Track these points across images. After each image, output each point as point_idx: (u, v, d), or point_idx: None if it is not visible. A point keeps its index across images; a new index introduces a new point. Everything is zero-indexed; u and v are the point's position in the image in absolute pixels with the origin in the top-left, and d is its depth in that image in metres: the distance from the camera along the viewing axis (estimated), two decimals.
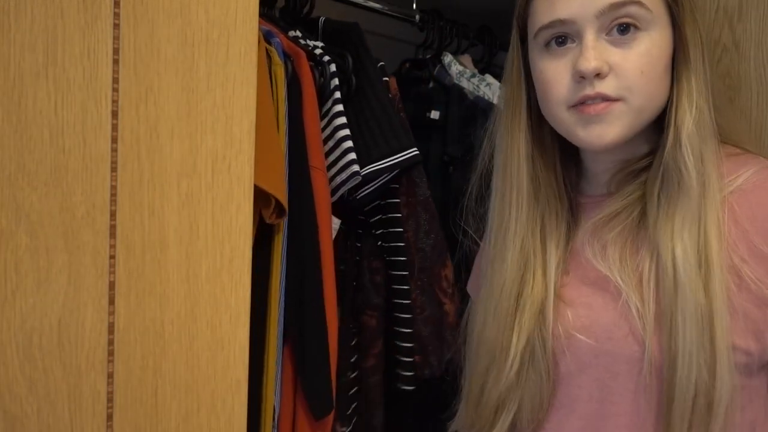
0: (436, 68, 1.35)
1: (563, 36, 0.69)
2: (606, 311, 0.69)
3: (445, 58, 1.35)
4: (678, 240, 0.66)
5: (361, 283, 1.11)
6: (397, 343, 1.10)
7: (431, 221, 1.11)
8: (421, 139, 1.22)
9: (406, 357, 1.09)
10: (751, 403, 0.67)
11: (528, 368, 0.72)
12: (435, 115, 1.30)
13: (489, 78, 1.34)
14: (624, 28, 0.67)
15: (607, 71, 0.67)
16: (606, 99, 0.67)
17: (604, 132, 0.68)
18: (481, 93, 1.31)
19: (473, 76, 1.33)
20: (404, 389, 1.09)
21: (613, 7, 0.66)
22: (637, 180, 0.72)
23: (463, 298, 1.10)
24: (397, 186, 1.09)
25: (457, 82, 1.32)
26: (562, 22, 0.68)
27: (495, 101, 1.29)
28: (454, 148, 1.28)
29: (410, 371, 1.09)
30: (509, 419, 0.75)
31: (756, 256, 0.64)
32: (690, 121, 0.67)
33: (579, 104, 0.68)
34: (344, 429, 1.07)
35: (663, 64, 0.68)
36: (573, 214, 0.78)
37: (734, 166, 0.68)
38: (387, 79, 1.12)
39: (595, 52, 0.66)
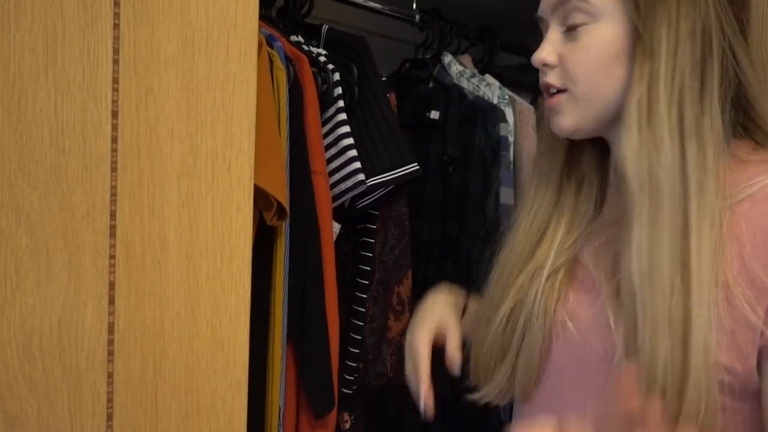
0: (436, 68, 1.35)
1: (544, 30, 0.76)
2: (588, 310, 0.71)
3: (445, 58, 1.35)
4: (642, 248, 0.64)
5: (342, 285, 1.13)
6: (348, 347, 1.12)
7: (399, 237, 1.14)
8: (420, 139, 1.23)
9: (350, 361, 1.11)
10: (737, 428, 0.64)
11: (525, 329, 0.74)
12: (435, 115, 1.31)
13: (489, 78, 1.34)
14: (572, 22, 0.71)
15: (554, 62, 0.72)
16: (553, 88, 0.72)
17: (559, 122, 0.72)
18: (481, 93, 1.31)
19: (473, 76, 1.34)
20: (345, 392, 1.11)
21: (559, 3, 0.71)
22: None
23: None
24: (380, 199, 1.10)
25: (457, 82, 1.32)
26: (539, 18, 0.76)
27: (495, 101, 1.29)
28: (453, 148, 1.28)
29: (353, 375, 1.12)
30: (505, 376, 0.76)
31: (747, 278, 0.61)
32: (633, 106, 0.67)
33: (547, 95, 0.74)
34: (351, 417, 1.09)
35: (609, 55, 0.69)
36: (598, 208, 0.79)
37: (745, 173, 0.64)
38: (387, 95, 1.14)
39: (548, 44, 0.72)
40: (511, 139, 1.26)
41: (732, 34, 0.66)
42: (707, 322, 0.61)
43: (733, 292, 0.61)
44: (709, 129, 0.65)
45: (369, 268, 1.11)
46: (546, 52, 0.72)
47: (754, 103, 0.67)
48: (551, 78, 0.72)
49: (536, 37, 0.88)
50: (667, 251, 0.63)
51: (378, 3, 1.24)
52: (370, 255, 1.12)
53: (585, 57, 0.69)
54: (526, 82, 1.56)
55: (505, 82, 1.38)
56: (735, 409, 0.63)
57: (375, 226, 1.11)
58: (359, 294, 1.12)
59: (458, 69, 1.34)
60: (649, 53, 0.67)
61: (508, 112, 1.28)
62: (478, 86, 1.32)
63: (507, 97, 1.30)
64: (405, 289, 1.14)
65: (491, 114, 1.25)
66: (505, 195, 1.24)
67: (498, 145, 1.24)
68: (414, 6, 1.31)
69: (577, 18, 0.70)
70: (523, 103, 1.34)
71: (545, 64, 0.72)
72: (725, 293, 0.61)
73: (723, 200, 0.63)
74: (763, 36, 0.67)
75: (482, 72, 1.41)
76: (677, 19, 0.67)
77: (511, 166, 1.27)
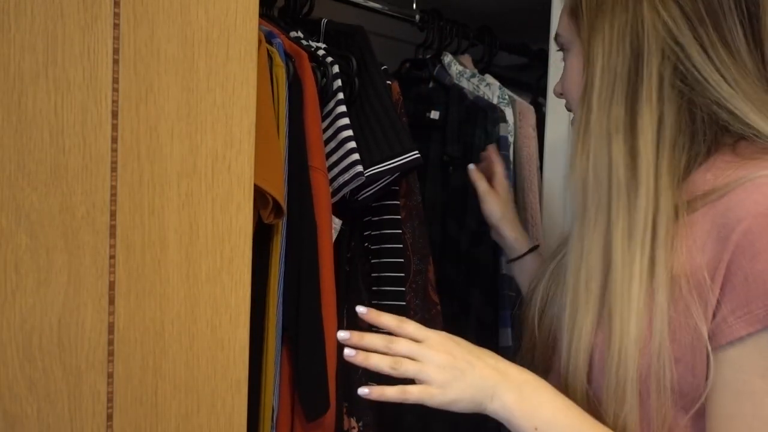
0: (436, 68, 1.35)
1: None
2: None
3: (445, 58, 1.35)
4: (575, 242, 0.70)
5: (356, 284, 1.11)
6: None
7: (420, 226, 1.14)
8: (420, 139, 1.22)
9: None
10: None
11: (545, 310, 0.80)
12: (435, 115, 1.31)
13: (489, 78, 1.34)
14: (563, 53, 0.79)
15: (559, 93, 0.82)
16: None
17: None
18: (481, 93, 1.31)
19: (473, 76, 1.34)
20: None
21: (554, 39, 0.80)
22: None
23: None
24: (397, 188, 1.09)
25: (456, 82, 1.32)
26: None
27: (495, 101, 1.29)
28: (453, 148, 1.28)
29: None
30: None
31: (691, 271, 0.61)
32: (575, 122, 0.73)
33: None
34: (359, 424, 1.07)
35: (577, 80, 0.74)
36: None
37: (739, 173, 0.63)
38: (390, 83, 1.13)
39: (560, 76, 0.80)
40: (510, 139, 1.27)
41: (690, 41, 0.65)
42: (625, 312, 0.63)
43: (681, 285, 0.61)
44: (646, 130, 0.65)
45: (402, 260, 1.09)
46: (556, 84, 0.82)
47: (725, 104, 0.64)
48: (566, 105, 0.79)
49: (536, 37, 0.89)
50: (596, 245, 0.67)
51: (378, 3, 1.24)
52: (401, 246, 1.09)
53: (567, 85, 0.77)
54: (526, 81, 1.56)
55: (505, 82, 1.38)
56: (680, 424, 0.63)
57: (399, 217, 1.10)
58: (392, 288, 1.09)
59: (458, 69, 1.34)
60: (588, 65, 0.70)
61: (508, 112, 1.28)
62: (478, 86, 1.32)
63: (507, 97, 1.30)
64: (432, 273, 1.15)
65: (491, 114, 1.25)
66: None
67: (497, 145, 1.24)
68: (414, 6, 1.31)
69: (563, 49, 0.78)
70: (523, 103, 1.34)
71: (560, 94, 0.81)
72: (672, 285, 0.62)
73: (673, 198, 0.63)
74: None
75: (482, 72, 1.41)
76: (610, 30, 0.69)
77: (511, 166, 1.27)
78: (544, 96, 1.35)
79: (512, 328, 1.25)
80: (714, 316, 0.60)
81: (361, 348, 0.67)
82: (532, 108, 1.34)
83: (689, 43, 0.65)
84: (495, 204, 1.11)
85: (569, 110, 0.79)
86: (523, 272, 1.08)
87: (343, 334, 0.67)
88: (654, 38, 0.66)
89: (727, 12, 0.64)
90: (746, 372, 0.58)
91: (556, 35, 0.78)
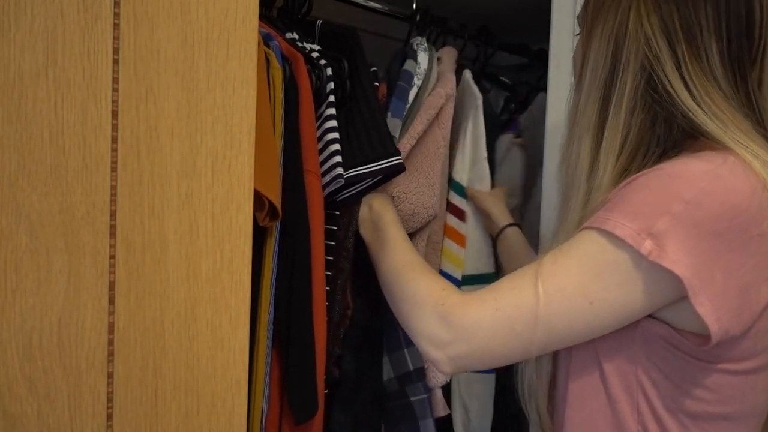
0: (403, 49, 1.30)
1: None
2: None
3: (412, 39, 1.28)
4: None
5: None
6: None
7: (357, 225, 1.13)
8: None
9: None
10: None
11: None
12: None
13: (425, 43, 1.27)
14: None
15: None
16: None
17: None
18: (415, 47, 1.24)
19: (421, 42, 1.28)
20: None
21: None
22: None
23: None
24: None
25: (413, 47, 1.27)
26: None
27: (415, 48, 1.23)
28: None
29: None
30: None
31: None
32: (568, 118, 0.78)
33: None
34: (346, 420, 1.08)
35: (576, 69, 0.81)
36: None
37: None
38: (377, 84, 1.12)
39: None
40: (415, 79, 1.19)
41: (666, 54, 0.69)
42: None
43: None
44: (611, 134, 0.72)
45: (332, 258, 1.09)
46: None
47: (690, 117, 0.69)
48: None
49: (536, 37, 0.88)
50: (562, 234, 0.75)
51: (378, 3, 1.23)
52: (333, 244, 1.10)
53: (573, 66, 0.82)
54: (526, 81, 1.56)
55: (506, 83, 1.36)
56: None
57: (338, 212, 1.09)
58: (328, 286, 1.09)
59: (417, 44, 1.27)
60: (583, 60, 0.76)
61: (421, 55, 1.21)
62: (418, 43, 1.25)
63: (425, 45, 1.23)
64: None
65: (401, 55, 1.21)
66: (392, 126, 1.16)
67: (397, 77, 1.18)
68: (414, 6, 1.31)
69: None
70: (447, 74, 1.26)
71: None
72: None
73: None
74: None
75: (480, 71, 1.40)
76: (602, 32, 0.74)
77: (408, 99, 1.18)
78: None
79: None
80: None
81: None
82: (452, 79, 1.25)
83: (665, 57, 0.69)
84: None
85: None
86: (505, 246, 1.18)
87: None
88: (634, 47, 0.71)
89: (705, 30, 0.68)
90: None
91: (578, 17, 0.81)
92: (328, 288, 1.06)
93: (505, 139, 1.45)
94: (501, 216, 1.21)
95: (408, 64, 1.19)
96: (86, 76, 0.58)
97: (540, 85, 1.49)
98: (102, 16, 0.58)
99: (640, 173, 0.67)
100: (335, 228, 1.08)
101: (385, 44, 1.38)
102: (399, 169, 1.04)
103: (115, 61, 0.59)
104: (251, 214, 0.68)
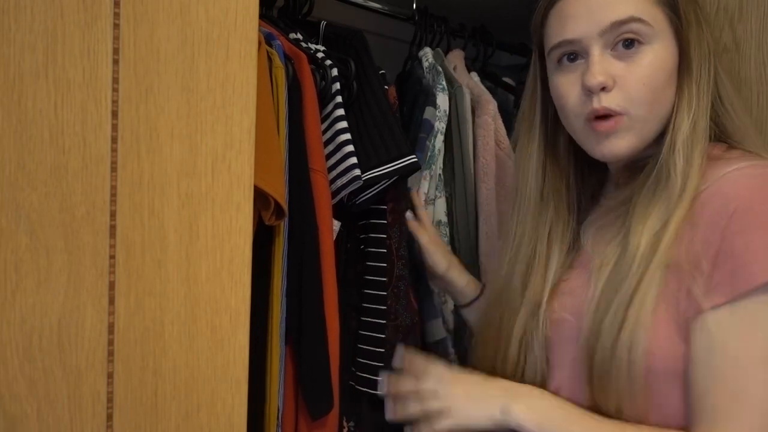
0: (413, 64, 1.32)
1: (573, 53, 0.75)
2: (581, 290, 0.76)
3: (420, 52, 1.32)
4: (642, 233, 0.70)
5: (350, 286, 1.11)
6: (365, 347, 1.09)
7: (408, 232, 1.13)
8: None
9: (373, 361, 1.08)
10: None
11: (525, 355, 0.81)
12: (406, 109, 1.29)
13: (440, 67, 1.28)
14: (628, 44, 0.72)
15: (611, 85, 0.72)
16: (612, 113, 0.72)
17: (615, 146, 0.73)
18: (431, 82, 1.26)
19: (433, 67, 1.29)
20: (364, 391, 1.08)
21: (615, 25, 0.71)
22: (639, 177, 0.76)
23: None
24: (384, 193, 1.08)
25: (425, 74, 1.28)
26: (570, 42, 0.74)
27: (436, 89, 1.24)
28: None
29: (377, 376, 1.08)
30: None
31: (693, 256, 0.66)
32: (687, 127, 0.71)
33: (592, 119, 0.73)
34: (348, 424, 1.08)
35: (666, 74, 0.72)
36: (585, 215, 0.84)
37: (714, 169, 0.70)
38: (387, 87, 1.12)
39: (600, 67, 0.72)
40: (437, 125, 1.20)
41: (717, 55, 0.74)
42: (650, 298, 0.67)
43: (684, 269, 0.67)
44: (705, 138, 0.71)
45: (385, 265, 1.08)
46: (604, 76, 0.71)
47: (729, 114, 0.73)
48: (608, 101, 0.72)
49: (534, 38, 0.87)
50: (651, 237, 0.69)
51: (378, 3, 1.24)
52: (384, 251, 1.09)
53: (647, 77, 0.71)
54: (524, 82, 1.56)
55: (507, 83, 1.36)
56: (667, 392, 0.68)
57: (385, 221, 1.09)
58: (377, 292, 1.09)
59: (429, 62, 1.30)
60: (687, 71, 0.73)
61: (441, 98, 1.22)
62: (433, 76, 1.27)
63: (443, 83, 1.24)
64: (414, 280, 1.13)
65: (422, 99, 1.22)
66: (411, 180, 1.18)
67: (419, 127, 1.19)
68: (414, 6, 1.31)
69: (634, 39, 0.71)
70: (483, 94, 1.29)
71: (603, 88, 0.71)
72: (676, 272, 0.67)
73: (694, 192, 0.69)
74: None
75: (479, 71, 1.40)
76: (699, 38, 0.73)
77: (429, 151, 1.20)
78: None
79: (443, 320, 1.21)
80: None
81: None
82: (491, 98, 1.29)
83: (720, 65, 0.76)
84: (440, 255, 1.09)
85: (607, 109, 0.72)
86: (477, 314, 1.04)
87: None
88: (714, 59, 0.75)
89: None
90: (725, 334, 0.64)
91: (634, 19, 0.71)
92: (383, 293, 1.08)
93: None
94: (472, 282, 1.10)
95: (428, 112, 1.20)
96: (86, 76, 0.58)
97: None
98: (102, 16, 0.58)
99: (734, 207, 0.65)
100: (384, 236, 1.08)
101: (386, 44, 1.38)
102: (414, 168, 1.05)
103: (115, 61, 0.59)
104: (251, 214, 0.68)
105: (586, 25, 0.72)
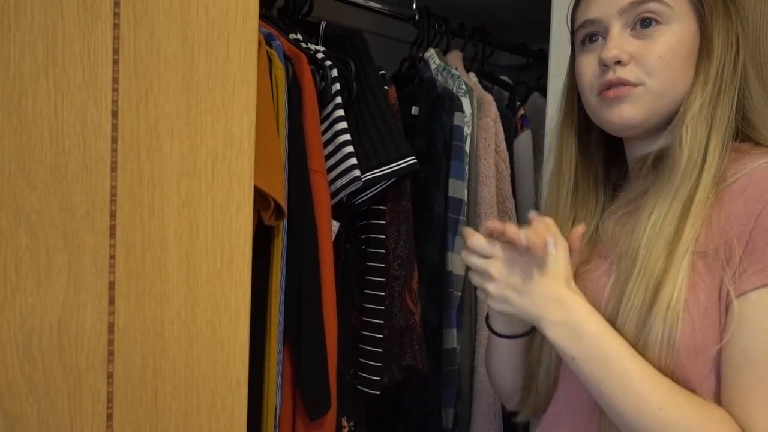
0: (420, 64, 1.34)
1: (595, 34, 0.79)
2: (601, 279, 0.77)
3: (427, 53, 1.34)
4: (652, 214, 0.71)
5: (349, 283, 1.12)
6: (364, 346, 1.10)
7: (408, 232, 1.13)
8: (406, 136, 1.21)
9: (372, 361, 1.09)
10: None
11: (541, 343, 0.82)
12: (415, 110, 1.29)
13: (455, 70, 1.31)
14: (646, 23, 0.75)
15: (627, 59, 0.75)
16: (626, 83, 0.74)
17: (623, 112, 0.75)
18: (447, 85, 1.28)
19: (444, 69, 1.31)
20: (367, 392, 1.09)
21: (633, 4, 0.75)
22: (656, 170, 0.77)
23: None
24: (384, 194, 1.09)
25: (435, 76, 1.29)
26: (591, 21, 0.78)
27: (454, 91, 1.26)
28: (420, 141, 1.25)
29: (376, 376, 1.09)
30: (535, 397, 0.86)
31: (726, 245, 0.67)
32: (697, 105, 0.73)
33: (604, 90, 0.76)
34: (349, 423, 1.08)
35: (684, 54, 0.74)
36: (604, 210, 0.85)
37: (743, 161, 0.71)
38: (387, 87, 1.13)
39: (616, 42, 0.75)
40: (467, 130, 1.23)
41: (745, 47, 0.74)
42: (679, 285, 0.68)
43: (713, 267, 0.67)
44: (726, 125, 0.72)
45: (383, 265, 1.09)
46: (618, 50, 0.75)
47: (756, 110, 0.74)
48: (624, 73, 0.75)
49: (536, 38, 0.87)
50: (667, 218, 0.70)
51: (378, 3, 1.24)
52: (383, 251, 1.10)
53: (664, 53, 0.74)
54: (524, 82, 1.56)
55: (505, 82, 1.37)
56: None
57: (384, 222, 1.10)
58: (374, 292, 1.10)
59: (436, 63, 1.32)
60: (707, 56, 0.74)
61: (465, 103, 1.24)
62: (446, 79, 1.29)
63: (464, 86, 1.26)
64: (415, 281, 1.14)
65: (448, 104, 1.23)
66: (455, 188, 1.20)
67: (451, 135, 1.20)
68: (414, 6, 1.31)
69: (652, 18, 0.74)
70: (484, 96, 1.30)
71: (618, 61, 0.75)
72: (704, 260, 0.68)
73: (714, 180, 0.70)
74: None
75: (478, 71, 1.40)
76: (726, 28, 0.75)
77: (465, 158, 1.22)
78: (544, 95, 1.34)
79: (458, 330, 1.21)
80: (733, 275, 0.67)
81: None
82: (492, 100, 1.31)
83: (748, 58, 0.76)
84: None
85: (623, 80, 0.74)
86: (514, 352, 0.89)
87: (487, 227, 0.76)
88: (742, 49, 0.75)
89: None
90: (761, 315, 0.65)
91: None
92: (382, 293, 1.09)
93: (524, 138, 1.44)
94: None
95: (457, 118, 1.22)
96: (86, 76, 0.58)
97: (540, 84, 1.49)
98: (102, 16, 0.58)
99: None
100: (382, 237, 1.09)
101: (386, 44, 1.38)
102: (413, 169, 1.05)
103: (115, 61, 0.59)
104: (251, 214, 0.68)
105: (606, 5, 0.76)
